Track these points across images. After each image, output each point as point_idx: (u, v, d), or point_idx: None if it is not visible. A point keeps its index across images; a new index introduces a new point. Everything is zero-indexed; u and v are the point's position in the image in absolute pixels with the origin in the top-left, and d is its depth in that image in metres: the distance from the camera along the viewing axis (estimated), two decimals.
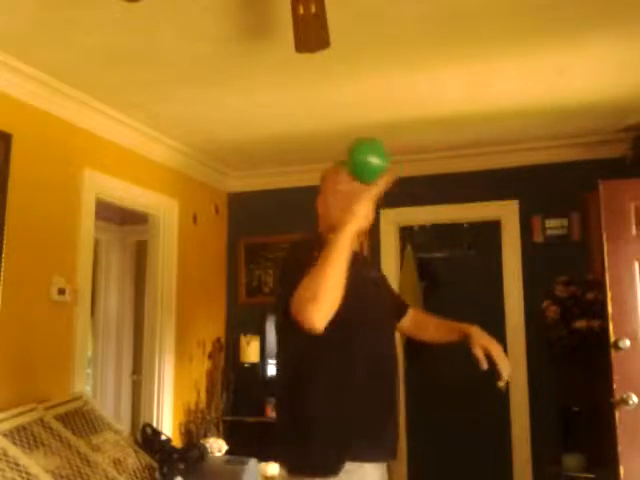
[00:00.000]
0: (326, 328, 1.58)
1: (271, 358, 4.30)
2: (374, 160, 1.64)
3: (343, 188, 1.87)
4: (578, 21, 2.49)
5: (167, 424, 3.90)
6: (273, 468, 3.44)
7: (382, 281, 2.09)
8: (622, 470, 2.87)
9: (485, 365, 1.86)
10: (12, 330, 2.84)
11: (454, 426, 4.15)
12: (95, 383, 4.80)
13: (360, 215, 1.65)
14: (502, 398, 4.06)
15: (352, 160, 1.69)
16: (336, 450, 1.68)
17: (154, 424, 3.67)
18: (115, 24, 2.49)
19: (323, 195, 1.97)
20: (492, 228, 4.20)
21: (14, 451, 2.40)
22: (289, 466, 1.76)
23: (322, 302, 1.55)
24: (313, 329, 1.56)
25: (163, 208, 4.05)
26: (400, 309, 2.16)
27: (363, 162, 1.65)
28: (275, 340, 1.94)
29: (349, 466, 1.67)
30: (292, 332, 1.67)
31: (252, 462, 3.25)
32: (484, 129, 3.79)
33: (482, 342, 1.95)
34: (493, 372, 1.89)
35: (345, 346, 1.75)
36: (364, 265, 2.00)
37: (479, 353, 1.90)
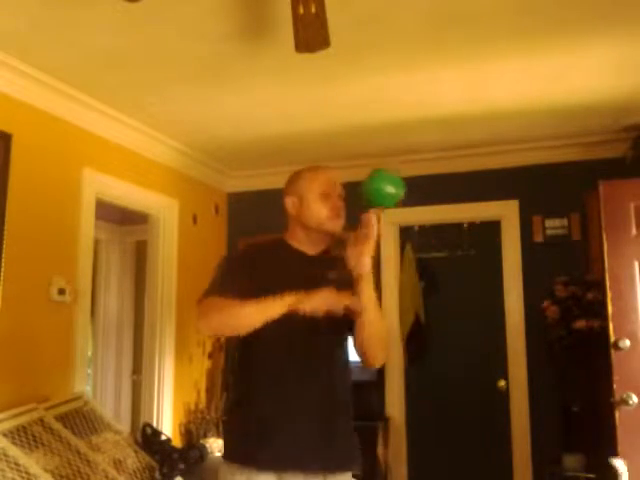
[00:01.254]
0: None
1: None
2: (390, 189, 1.81)
3: (325, 191, 1.91)
4: (578, 21, 2.49)
5: (167, 424, 3.90)
6: None
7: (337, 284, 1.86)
8: None
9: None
10: (12, 330, 2.84)
11: (454, 426, 4.15)
12: (95, 383, 4.80)
13: (311, 305, 1.69)
14: (502, 398, 4.06)
15: (371, 187, 1.82)
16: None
17: (154, 424, 3.67)
18: (115, 24, 2.49)
19: (298, 195, 1.92)
20: (492, 228, 4.20)
21: (14, 451, 2.40)
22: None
23: (216, 327, 1.89)
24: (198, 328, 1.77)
25: (163, 208, 4.05)
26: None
27: (378, 189, 1.79)
28: None
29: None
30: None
31: None
32: (484, 129, 3.79)
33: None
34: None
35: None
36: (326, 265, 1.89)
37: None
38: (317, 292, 1.70)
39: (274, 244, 1.98)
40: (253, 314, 1.72)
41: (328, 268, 1.84)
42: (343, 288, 1.77)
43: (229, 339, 1.92)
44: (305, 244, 1.93)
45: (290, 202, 1.94)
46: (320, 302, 1.69)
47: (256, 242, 2.05)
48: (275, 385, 1.80)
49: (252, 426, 1.77)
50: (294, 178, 1.98)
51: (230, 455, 1.83)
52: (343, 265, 1.79)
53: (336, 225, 1.89)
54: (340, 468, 1.80)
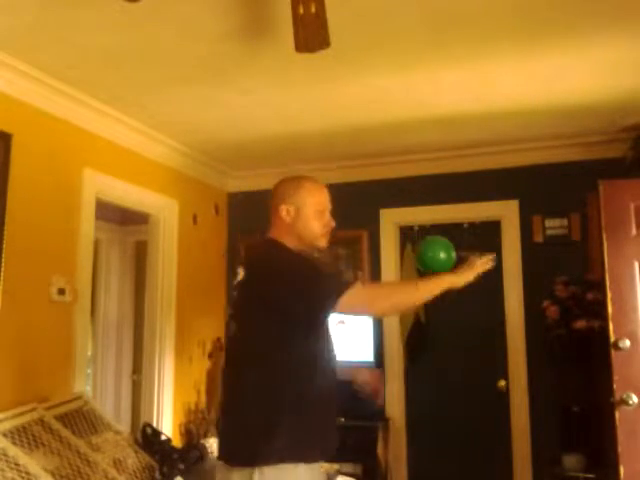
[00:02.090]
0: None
1: None
2: (442, 255, 2.07)
3: (323, 208, 2.05)
4: (577, 21, 2.49)
5: (167, 424, 3.90)
6: None
7: None
8: (622, 470, 2.87)
9: None
10: (12, 330, 2.84)
11: (454, 426, 4.15)
12: (95, 383, 4.80)
13: (466, 280, 2.03)
14: (502, 398, 4.06)
15: (427, 255, 2.08)
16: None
17: (154, 424, 3.67)
18: (115, 24, 2.49)
19: (295, 206, 2.01)
20: (492, 228, 4.20)
21: (14, 451, 2.40)
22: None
23: (393, 305, 1.97)
24: (380, 314, 2.03)
25: (163, 208, 4.05)
26: None
27: (434, 257, 2.06)
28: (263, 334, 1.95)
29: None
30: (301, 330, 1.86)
31: None
32: (484, 129, 3.79)
33: None
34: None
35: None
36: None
37: None
38: (467, 269, 2.03)
39: (287, 247, 2.02)
40: (424, 293, 1.93)
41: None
42: None
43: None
44: (299, 248, 2.04)
45: (285, 210, 2.01)
46: (471, 276, 2.03)
47: (285, 250, 2.02)
48: (328, 390, 1.96)
49: (316, 425, 1.90)
50: (293, 187, 2.04)
51: (297, 454, 1.83)
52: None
53: (325, 242, 2.05)
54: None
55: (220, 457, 1.92)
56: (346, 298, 1.80)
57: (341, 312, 1.86)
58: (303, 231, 2.00)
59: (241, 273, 1.98)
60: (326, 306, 1.81)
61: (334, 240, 2.09)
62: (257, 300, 1.90)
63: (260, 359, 1.86)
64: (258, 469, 1.77)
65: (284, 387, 1.84)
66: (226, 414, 1.95)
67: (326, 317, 1.89)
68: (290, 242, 2.00)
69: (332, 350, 2.01)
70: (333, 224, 2.07)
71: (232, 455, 1.87)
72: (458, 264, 2.09)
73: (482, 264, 2.09)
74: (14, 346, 2.86)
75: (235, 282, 2.01)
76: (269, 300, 1.87)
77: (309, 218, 2.00)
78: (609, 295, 2.99)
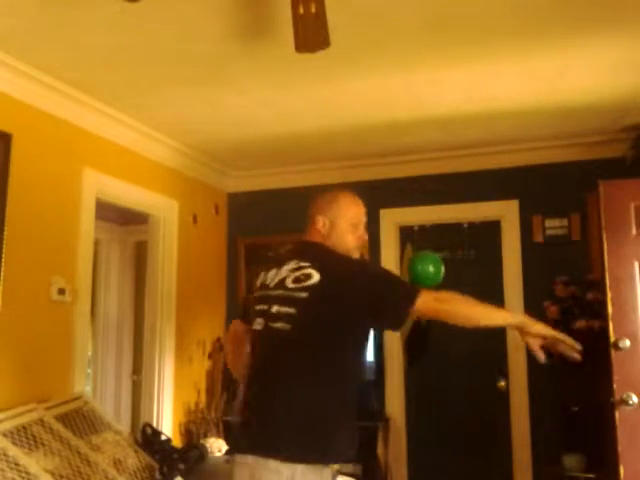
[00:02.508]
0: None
1: None
2: (431, 269, 2.10)
3: (358, 222, 2.11)
4: (578, 21, 2.49)
5: (167, 424, 3.90)
6: None
7: None
8: (622, 470, 2.87)
9: None
10: (12, 330, 2.84)
11: (454, 426, 4.15)
12: (95, 383, 4.80)
13: (539, 330, 2.11)
14: (502, 398, 4.06)
15: (417, 269, 2.13)
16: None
17: (154, 424, 3.67)
18: (115, 24, 2.49)
19: (331, 219, 2.07)
20: (492, 228, 4.20)
21: (14, 451, 2.40)
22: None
23: (447, 309, 2.00)
24: (434, 316, 2.01)
25: (163, 208, 4.05)
26: None
27: (424, 271, 2.09)
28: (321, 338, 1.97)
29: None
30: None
31: None
32: (484, 129, 3.79)
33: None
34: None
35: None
36: None
37: None
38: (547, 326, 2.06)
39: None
40: (487, 318, 2.01)
41: None
42: None
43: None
44: None
45: (322, 222, 2.07)
46: (545, 333, 2.08)
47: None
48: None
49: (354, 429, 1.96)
50: (330, 200, 2.10)
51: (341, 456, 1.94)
52: None
53: (357, 254, 2.10)
54: None
55: (256, 452, 1.88)
56: (420, 303, 1.88)
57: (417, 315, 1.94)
58: (337, 243, 2.05)
59: (308, 270, 1.95)
60: (406, 308, 1.88)
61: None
62: (332, 302, 1.90)
63: (322, 359, 1.91)
64: (327, 466, 1.89)
65: (343, 390, 1.93)
66: (272, 409, 1.90)
67: (404, 321, 1.96)
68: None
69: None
70: (366, 237, 2.13)
71: (285, 450, 1.85)
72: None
73: (566, 339, 2.13)
74: (14, 346, 2.86)
75: (293, 277, 1.97)
76: (348, 301, 1.90)
77: (343, 231, 2.06)
78: (609, 295, 2.98)
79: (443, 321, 1.95)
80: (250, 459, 1.86)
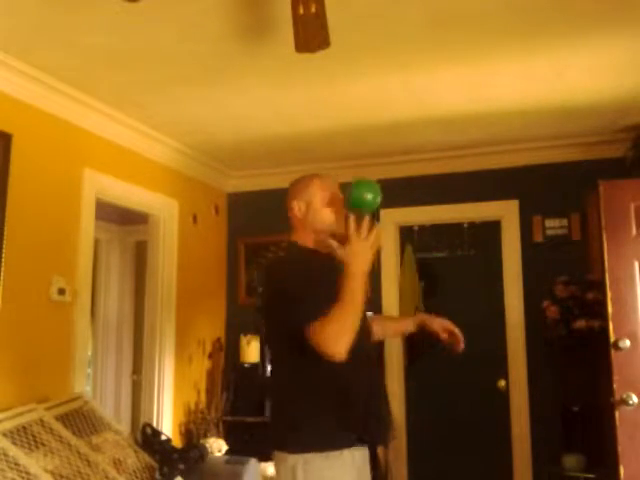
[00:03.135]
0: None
1: None
2: (369, 196, 1.96)
3: (332, 195, 2.06)
4: (578, 21, 2.49)
5: (167, 424, 3.90)
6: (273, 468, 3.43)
7: None
8: (622, 470, 2.87)
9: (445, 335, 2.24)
10: (12, 330, 2.84)
11: (454, 426, 4.15)
12: (95, 383, 4.80)
13: (359, 262, 1.84)
14: (502, 398, 4.06)
15: (354, 195, 1.97)
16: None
17: (154, 424, 3.67)
18: (115, 24, 2.49)
19: (305, 200, 2.06)
20: (492, 228, 4.20)
21: (14, 451, 2.40)
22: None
23: (348, 338, 1.77)
24: (338, 358, 1.76)
25: (163, 208, 4.05)
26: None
27: (359, 197, 1.95)
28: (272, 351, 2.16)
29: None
30: (300, 352, 1.83)
31: (252, 462, 3.26)
32: (484, 129, 3.79)
33: (437, 321, 2.27)
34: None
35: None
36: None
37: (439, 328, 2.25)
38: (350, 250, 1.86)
39: (302, 252, 2.06)
40: (356, 303, 1.82)
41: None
42: None
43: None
44: (317, 244, 2.05)
45: (297, 206, 2.06)
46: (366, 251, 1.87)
47: (292, 258, 2.10)
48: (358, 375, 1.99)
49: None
50: (302, 185, 2.09)
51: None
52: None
53: (341, 227, 2.04)
54: None
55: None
56: (311, 337, 1.78)
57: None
58: (315, 221, 2.04)
59: None
60: (299, 333, 1.79)
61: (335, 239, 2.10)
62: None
63: (284, 351, 1.97)
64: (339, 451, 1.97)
65: (309, 376, 1.92)
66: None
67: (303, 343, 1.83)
68: (307, 239, 2.06)
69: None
70: (344, 209, 2.04)
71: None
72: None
73: (363, 231, 1.88)
74: (14, 346, 2.86)
75: None
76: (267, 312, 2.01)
77: (319, 208, 2.04)
78: (609, 295, 2.99)
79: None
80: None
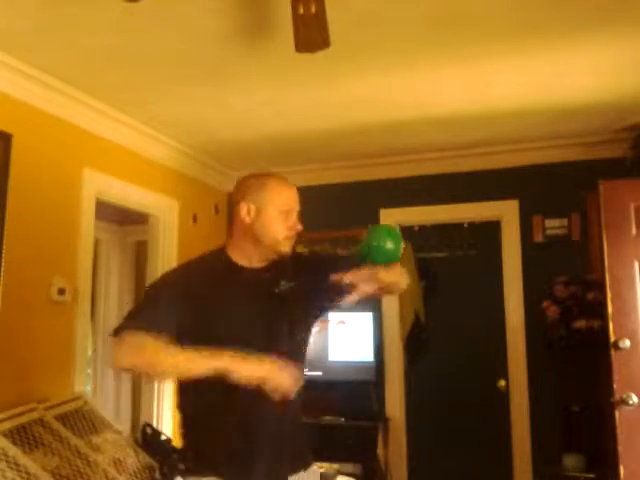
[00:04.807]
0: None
1: None
2: (389, 245, 1.73)
3: (290, 209, 1.80)
4: (578, 21, 2.49)
5: (167, 424, 3.90)
6: None
7: (293, 292, 1.82)
8: (622, 470, 2.87)
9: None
10: (12, 330, 2.84)
11: (454, 426, 4.15)
12: (95, 383, 4.80)
13: (239, 374, 1.56)
14: (502, 398, 4.06)
15: (372, 244, 1.75)
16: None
17: (154, 424, 3.67)
18: (115, 24, 2.49)
19: (257, 205, 1.77)
20: (492, 228, 4.20)
21: (14, 451, 2.40)
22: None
23: (134, 369, 1.65)
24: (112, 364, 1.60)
25: (163, 208, 4.05)
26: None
27: (379, 247, 1.73)
28: None
29: None
30: None
31: None
32: (484, 129, 3.79)
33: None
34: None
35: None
36: (271, 280, 1.81)
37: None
38: (254, 360, 1.56)
39: (213, 261, 1.83)
40: (176, 366, 1.60)
41: (278, 279, 1.78)
42: (296, 298, 1.78)
43: None
44: (253, 255, 1.80)
45: (246, 209, 1.78)
46: (256, 370, 1.55)
47: (190, 263, 1.84)
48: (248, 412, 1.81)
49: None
50: (256, 185, 1.81)
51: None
52: (292, 274, 1.78)
53: (288, 247, 1.80)
54: None
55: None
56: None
57: None
58: (263, 233, 1.76)
59: None
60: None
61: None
62: None
63: None
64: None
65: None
66: None
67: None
68: (246, 245, 1.80)
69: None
70: (299, 227, 1.81)
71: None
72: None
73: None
74: (14, 346, 2.86)
75: None
76: None
77: (272, 220, 1.76)
78: (609, 295, 2.99)
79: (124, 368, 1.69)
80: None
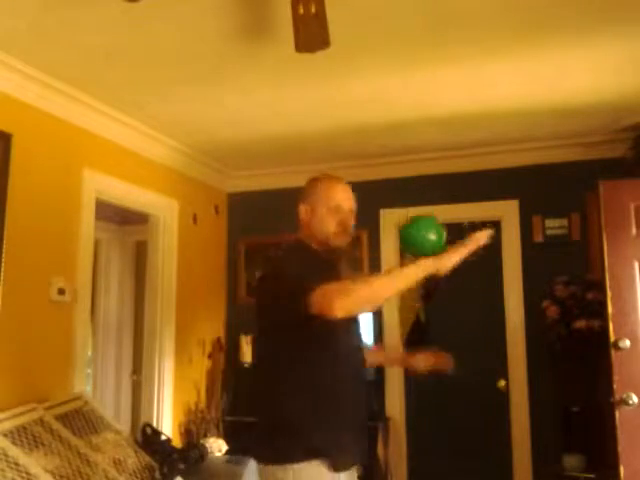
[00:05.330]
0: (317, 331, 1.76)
1: None
2: (432, 237, 1.91)
3: (337, 205, 1.98)
4: (578, 21, 2.49)
5: (167, 424, 3.90)
6: None
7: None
8: (622, 470, 2.87)
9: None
10: (12, 330, 2.84)
11: (454, 426, 4.15)
12: (95, 383, 4.80)
13: (447, 265, 1.89)
14: (502, 398, 4.06)
15: (413, 234, 1.91)
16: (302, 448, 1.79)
17: (154, 424, 3.67)
18: (115, 24, 2.49)
19: (311, 205, 2.00)
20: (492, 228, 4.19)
21: (14, 451, 2.40)
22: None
23: (352, 304, 1.70)
24: (331, 315, 1.65)
25: (163, 208, 4.05)
26: None
27: (423, 238, 1.90)
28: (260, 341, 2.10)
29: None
30: (290, 329, 1.80)
31: (252, 462, 3.25)
32: (484, 129, 3.79)
33: (421, 359, 2.24)
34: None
35: (330, 346, 1.86)
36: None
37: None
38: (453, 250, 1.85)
39: (301, 245, 2.02)
40: (400, 282, 1.81)
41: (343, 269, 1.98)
42: None
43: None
44: (320, 248, 2.00)
45: (303, 210, 2.00)
46: (455, 260, 1.87)
47: (296, 244, 2.04)
48: (347, 381, 1.99)
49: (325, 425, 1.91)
50: (310, 186, 2.04)
51: None
52: (349, 266, 1.96)
53: (341, 241, 1.97)
54: None
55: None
56: (312, 300, 1.70)
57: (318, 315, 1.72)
58: (318, 231, 1.97)
59: None
60: (295, 310, 1.74)
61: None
62: (257, 306, 2.00)
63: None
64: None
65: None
66: None
67: (303, 320, 1.75)
68: (311, 239, 2.01)
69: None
70: (351, 222, 1.99)
71: None
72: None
73: (476, 240, 1.97)
74: (14, 346, 2.86)
75: None
76: (259, 302, 1.98)
77: (322, 216, 1.97)
78: (609, 295, 2.99)
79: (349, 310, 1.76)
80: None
